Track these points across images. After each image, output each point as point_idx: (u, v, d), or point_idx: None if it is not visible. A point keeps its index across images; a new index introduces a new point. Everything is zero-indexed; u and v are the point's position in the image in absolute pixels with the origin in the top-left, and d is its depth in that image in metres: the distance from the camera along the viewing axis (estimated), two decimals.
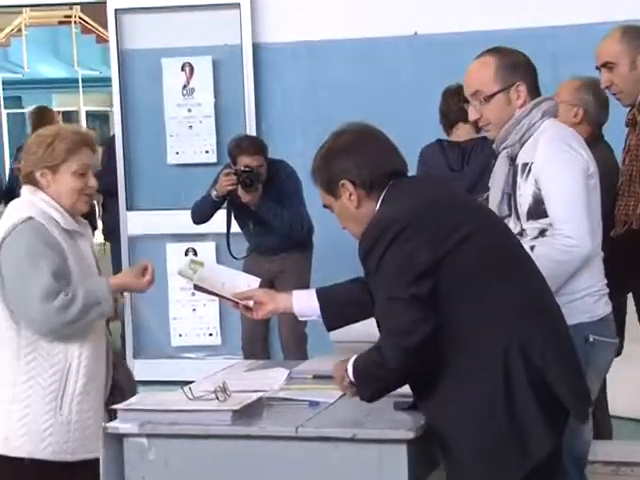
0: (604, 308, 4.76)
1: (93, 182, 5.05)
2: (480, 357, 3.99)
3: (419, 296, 3.92)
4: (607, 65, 5.74)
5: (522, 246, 4.39)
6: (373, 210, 4.23)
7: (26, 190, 4.95)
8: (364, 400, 4.21)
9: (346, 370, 4.21)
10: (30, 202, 4.86)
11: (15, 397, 4.72)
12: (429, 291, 3.95)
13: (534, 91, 4.97)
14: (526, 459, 3.91)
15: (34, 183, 4.91)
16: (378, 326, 4.14)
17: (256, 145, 8.20)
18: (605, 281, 4.83)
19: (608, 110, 6.05)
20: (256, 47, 9.86)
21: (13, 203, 4.95)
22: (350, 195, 4.24)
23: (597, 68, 5.81)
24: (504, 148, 4.92)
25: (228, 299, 4.90)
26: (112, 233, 11.06)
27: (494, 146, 5.02)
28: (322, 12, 9.53)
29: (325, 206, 4.47)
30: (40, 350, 4.74)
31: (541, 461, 3.92)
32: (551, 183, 4.61)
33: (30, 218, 4.73)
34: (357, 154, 4.26)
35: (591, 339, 4.66)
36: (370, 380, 4.14)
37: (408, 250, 3.98)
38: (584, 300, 4.68)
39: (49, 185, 4.87)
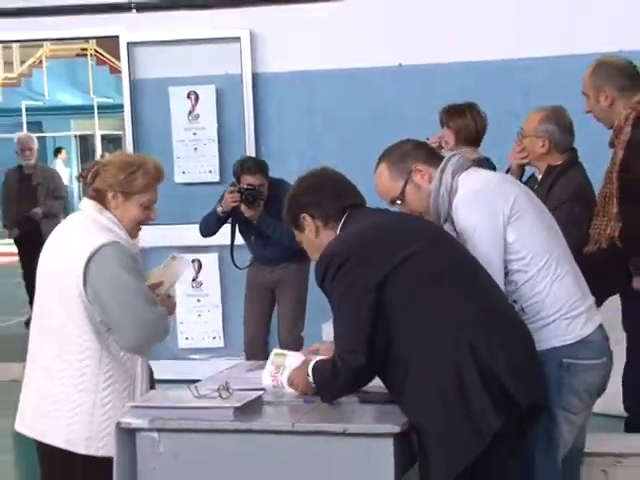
0: (582, 330, 4.55)
1: (154, 215, 5.01)
2: (434, 358, 4.16)
3: (361, 321, 4.20)
4: (585, 94, 5.79)
5: (472, 258, 4.45)
6: (333, 238, 4.48)
7: (91, 206, 4.83)
8: (325, 402, 4.42)
9: (307, 376, 4.46)
10: (102, 223, 4.78)
11: (97, 402, 4.70)
12: (373, 313, 4.18)
13: (432, 160, 4.75)
14: (479, 439, 4.04)
15: (101, 200, 4.82)
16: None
17: (258, 165, 8.23)
18: (580, 300, 4.62)
19: (573, 133, 6.01)
20: (255, 76, 9.87)
21: (84, 222, 4.87)
22: (310, 227, 4.54)
23: (584, 94, 5.85)
24: (446, 220, 4.70)
25: None
26: None
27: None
28: (315, 44, 9.53)
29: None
30: (116, 360, 4.74)
31: (493, 443, 4.05)
32: (470, 245, 4.51)
33: (116, 242, 4.68)
34: (314, 193, 4.56)
35: (565, 363, 4.52)
36: (328, 388, 4.43)
37: (350, 280, 4.24)
38: (556, 324, 4.52)
39: (117, 207, 4.79)
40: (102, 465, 4.57)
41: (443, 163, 4.70)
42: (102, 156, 22.77)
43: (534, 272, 4.56)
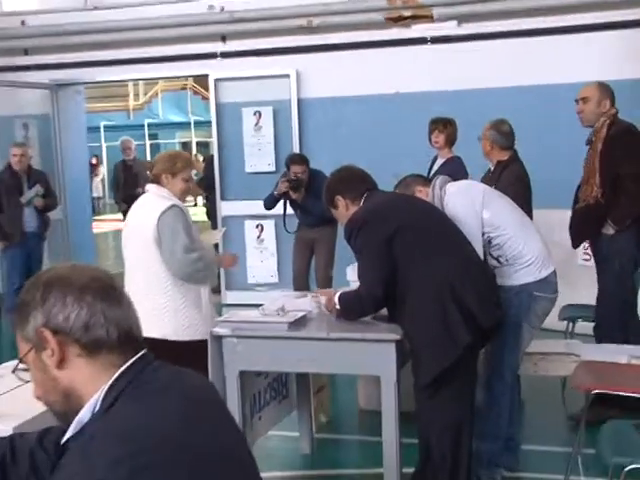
0: (545, 272, 4.62)
1: (192, 186, 5.22)
2: (425, 291, 4.13)
3: (378, 263, 4.18)
4: (583, 99, 5.75)
5: (453, 225, 4.45)
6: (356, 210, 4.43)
7: (153, 187, 4.93)
8: (348, 320, 4.44)
9: (335, 302, 4.43)
10: (163, 195, 4.84)
11: (178, 308, 4.73)
12: (386, 258, 4.15)
13: (427, 183, 4.93)
14: (456, 346, 4.03)
15: (158, 182, 4.91)
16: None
17: (302, 158, 8.14)
18: (543, 252, 4.69)
19: (511, 137, 5.95)
20: (299, 101, 9.80)
21: (152, 197, 4.89)
22: (342, 204, 4.47)
23: (576, 101, 5.84)
24: None
25: None
26: (212, 214, 11.03)
27: None
28: (340, 78, 9.48)
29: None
30: (184, 284, 4.79)
31: (464, 351, 4.05)
32: (458, 224, 4.52)
33: (174, 205, 4.73)
34: (345, 182, 4.51)
35: (534, 294, 4.60)
36: (352, 310, 4.39)
37: (369, 235, 4.21)
38: (529, 268, 4.58)
39: (168, 184, 4.88)
40: (186, 345, 4.64)
41: (433, 182, 4.87)
42: (196, 156, 22.91)
43: (510, 235, 4.62)
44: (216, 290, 10.36)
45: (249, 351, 4.35)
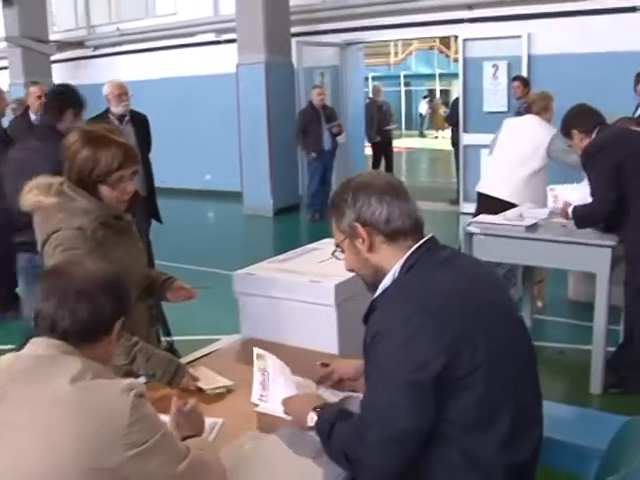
0: None
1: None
2: None
3: (609, 187, 3.78)
4: None
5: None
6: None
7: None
8: (578, 227, 4.01)
9: (568, 212, 4.05)
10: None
11: None
12: (616, 182, 3.74)
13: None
14: None
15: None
16: None
17: None
18: None
19: None
20: (529, 57, 9.30)
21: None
22: (577, 136, 4.06)
23: None
24: None
25: None
26: (455, 143, 10.66)
27: None
28: (564, 39, 8.89)
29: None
30: None
31: None
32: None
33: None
34: (578, 116, 4.12)
35: None
36: (584, 220, 3.97)
37: (602, 162, 3.80)
38: None
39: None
40: None
41: None
42: (439, 100, 22.47)
43: None
44: (454, 201, 10.17)
45: (493, 246, 4.22)
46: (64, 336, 1.50)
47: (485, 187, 5.17)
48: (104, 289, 1.54)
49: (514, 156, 4.97)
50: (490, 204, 4.86)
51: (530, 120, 5.12)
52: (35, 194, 2.20)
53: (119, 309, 1.57)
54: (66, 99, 3.88)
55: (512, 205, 4.75)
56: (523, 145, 4.98)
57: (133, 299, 2.05)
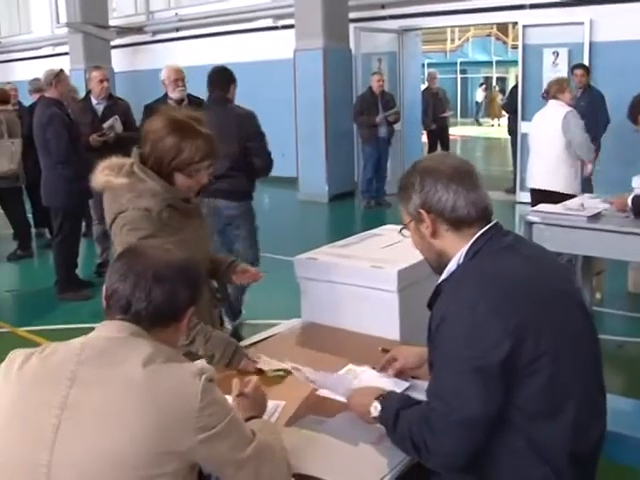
0: None
1: None
2: None
3: None
4: None
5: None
6: None
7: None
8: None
9: (627, 203, 4.01)
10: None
11: None
12: None
13: None
14: None
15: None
16: None
17: None
18: None
19: None
20: (591, 44, 9.08)
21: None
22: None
23: None
24: None
25: None
26: (512, 131, 10.49)
27: None
28: (626, 27, 8.65)
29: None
30: None
31: None
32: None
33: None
34: None
35: None
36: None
37: None
38: None
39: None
40: None
41: None
42: (495, 87, 22.07)
43: None
44: (510, 190, 10.01)
45: (553, 236, 4.15)
46: (136, 318, 1.48)
47: (537, 182, 5.25)
48: (181, 275, 1.53)
49: (548, 145, 5.18)
50: (544, 197, 4.86)
51: (549, 105, 5.36)
52: (105, 174, 2.20)
53: (192, 297, 1.56)
54: (230, 75, 4.55)
55: (568, 196, 4.72)
56: (551, 130, 5.22)
57: None
